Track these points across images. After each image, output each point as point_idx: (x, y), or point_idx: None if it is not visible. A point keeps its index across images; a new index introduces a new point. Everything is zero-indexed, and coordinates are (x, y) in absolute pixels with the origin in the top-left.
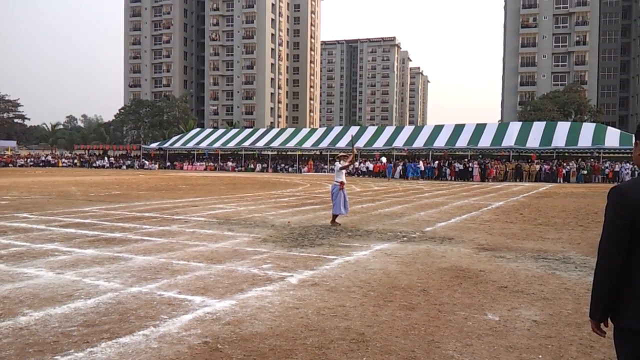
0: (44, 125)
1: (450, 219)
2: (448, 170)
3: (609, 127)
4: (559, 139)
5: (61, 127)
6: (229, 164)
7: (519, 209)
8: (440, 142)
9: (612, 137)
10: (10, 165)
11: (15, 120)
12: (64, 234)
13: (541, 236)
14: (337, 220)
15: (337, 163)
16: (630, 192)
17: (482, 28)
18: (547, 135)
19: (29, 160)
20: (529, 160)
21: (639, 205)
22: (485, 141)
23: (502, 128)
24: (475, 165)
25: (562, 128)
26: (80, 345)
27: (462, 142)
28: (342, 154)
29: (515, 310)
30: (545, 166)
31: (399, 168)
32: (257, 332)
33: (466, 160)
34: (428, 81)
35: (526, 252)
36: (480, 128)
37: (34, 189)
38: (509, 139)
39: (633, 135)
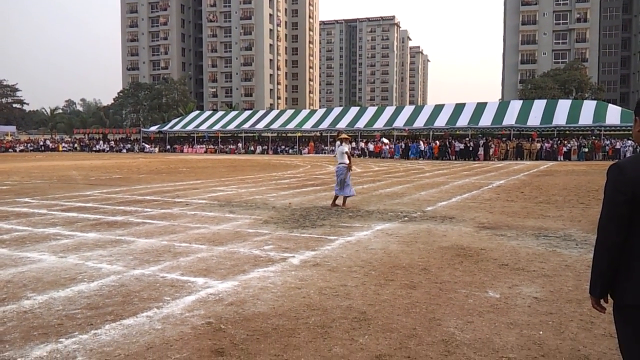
0: (43, 110)
1: (451, 198)
2: (449, 150)
3: (610, 105)
4: (560, 117)
5: (60, 111)
6: (239, 145)
7: (519, 188)
8: (441, 121)
9: (613, 114)
10: (10, 150)
11: (14, 105)
12: (66, 218)
13: (542, 214)
14: (345, 202)
15: (339, 145)
16: (629, 169)
17: (482, 6)
18: (548, 114)
19: (28, 145)
20: (530, 139)
21: (638, 181)
22: (486, 120)
23: (502, 107)
24: (481, 144)
25: (563, 106)
26: (84, 327)
27: (463, 121)
28: (343, 135)
29: (516, 287)
30: (546, 144)
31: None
32: (260, 312)
33: (467, 139)
34: (428, 60)
35: (527, 230)
36: (480, 107)
37: (34, 174)
38: (510, 118)
39: (633, 112)
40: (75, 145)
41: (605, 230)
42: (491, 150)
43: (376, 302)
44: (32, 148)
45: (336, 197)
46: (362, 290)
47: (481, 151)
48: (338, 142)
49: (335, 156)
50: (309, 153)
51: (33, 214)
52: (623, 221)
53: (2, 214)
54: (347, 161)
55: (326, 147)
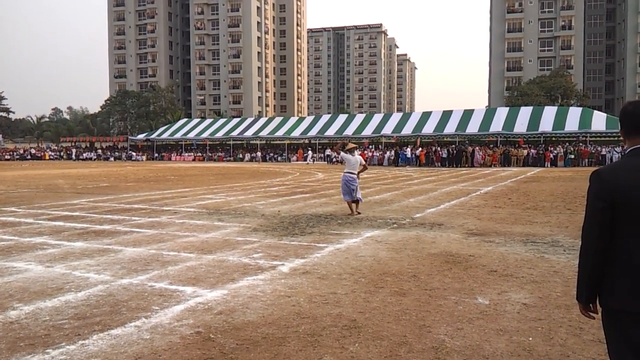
0: (29, 118)
1: (440, 205)
2: (434, 157)
3: (595, 111)
4: (546, 123)
5: (47, 119)
6: (247, 155)
7: (507, 194)
8: (429, 129)
9: (599, 121)
10: None
11: (0, 114)
12: (53, 227)
13: (530, 220)
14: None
15: (347, 154)
16: (609, 176)
17: (469, 14)
18: (534, 120)
19: (15, 153)
20: (517, 145)
21: (618, 187)
22: (473, 127)
23: (489, 114)
24: (478, 150)
25: (549, 113)
26: (71, 337)
27: (450, 128)
28: (351, 145)
29: (505, 293)
30: (533, 151)
31: (387, 155)
32: (249, 320)
33: (453, 146)
34: (415, 68)
35: (515, 236)
36: (467, 114)
37: (20, 183)
38: (497, 125)
39: (619, 119)
40: (62, 153)
41: (588, 237)
42: (478, 156)
43: (366, 310)
44: (18, 157)
45: (352, 203)
46: (352, 297)
47: (479, 157)
48: (342, 151)
49: (343, 164)
50: (297, 160)
51: (19, 223)
52: (605, 227)
53: None
54: (358, 170)
55: (315, 154)
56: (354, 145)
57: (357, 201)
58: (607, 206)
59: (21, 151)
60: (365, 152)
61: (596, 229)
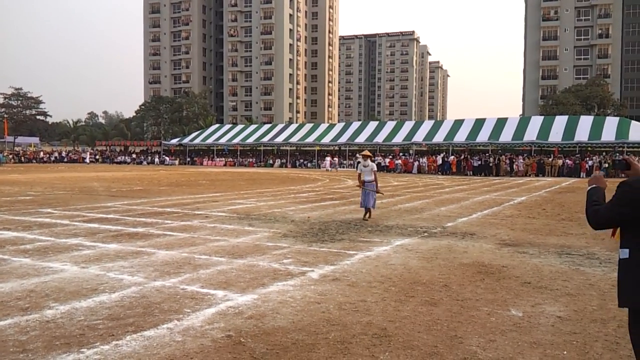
0: (66, 122)
1: (472, 214)
2: (466, 165)
3: (632, 121)
4: (582, 133)
5: (83, 123)
6: (277, 160)
7: (541, 204)
8: (461, 137)
9: (637, 131)
10: (33, 161)
11: (38, 117)
12: (88, 228)
13: (564, 231)
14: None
15: (363, 161)
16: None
17: (503, 21)
18: (570, 130)
19: (51, 156)
20: (551, 155)
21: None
22: (506, 136)
23: (523, 122)
24: (521, 161)
25: (585, 122)
26: (105, 338)
27: (483, 136)
28: (365, 152)
29: (539, 306)
30: (568, 161)
31: (417, 163)
32: (279, 326)
33: (487, 154)
34: (448, 75)
35: (549, 248)
36: (501, 122)
37: (57, 185)
38: (531, 134)
39: None
40: (97, 156)
41: (599, 216)
42: (514, 166)
43: (396, 319)
44: (54, 159)
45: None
46: (382, 306)
47: (522, 167)
48: (361, 159)
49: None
50: (326, 167)
51: (55, 225)
52: (614, 224)
53: (25, 224)
54: (370, 178)
55: (344, 161)
56: (366, 154)
57: (367, 208)
58: (625, 212)
59: (56, 154)
60: (394, 159)
61: (605, 221)
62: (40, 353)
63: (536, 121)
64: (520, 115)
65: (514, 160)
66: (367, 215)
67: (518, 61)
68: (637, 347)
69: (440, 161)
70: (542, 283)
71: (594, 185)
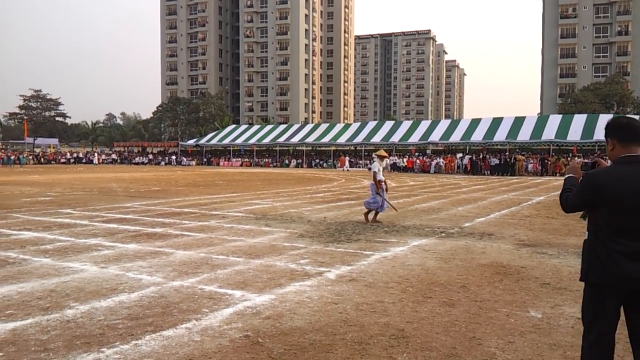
0: (85, 123)
1: (489, 214)
2: (483, 165)
3: None
4: (601, 132)
5: (101, 125)
6: (293, 161)
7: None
8: (478, 136)
9: None
10: (52, 162)
11: (57, 119)
12: (107, 229)
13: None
14: (369, 216)
15: (380, 161)
16: (597, 176)
17: (520, 19)
18: (589, 128)
19: (70, 157)
20: (570, 154)
21: (605, 189)
22: (524, 135)
23: (541, 121)
24: (547, 160)
25: (605, 121)
26: (125, 337)
27: (500, 136)
28: (381, 152)
29: (558, 307)
30: (587, 160)
31: (434, 163)
32: (297, 326)
33: (506, 154)
34: (464, 74)
35: (569, 248)
36: (519, 121)
37: (76, 185)
38: (549, 133)
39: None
40: (115, 157)
41: (568, 202)
42: (530, 166)
43: (414, 320)
44: (73, 160)
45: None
46: (400, 307)
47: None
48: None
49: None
50: (340, 167)
51: (75, 225)
52: (578, 209)
53: (45, 225)
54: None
55: (360, 161)
56: (382, 154)
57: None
58: (589, 199)
59: (75, 155)
60: (412, 158)
61: (573, 207)
62: (61, 352)
63: (554, 120)
64: (538, 114)
65: (530, 159)
66: (375, 216)
67: (536, 59)
68: (584, 320)
69: (463, 160)
70: (561, 284)
71: (570, 175)
